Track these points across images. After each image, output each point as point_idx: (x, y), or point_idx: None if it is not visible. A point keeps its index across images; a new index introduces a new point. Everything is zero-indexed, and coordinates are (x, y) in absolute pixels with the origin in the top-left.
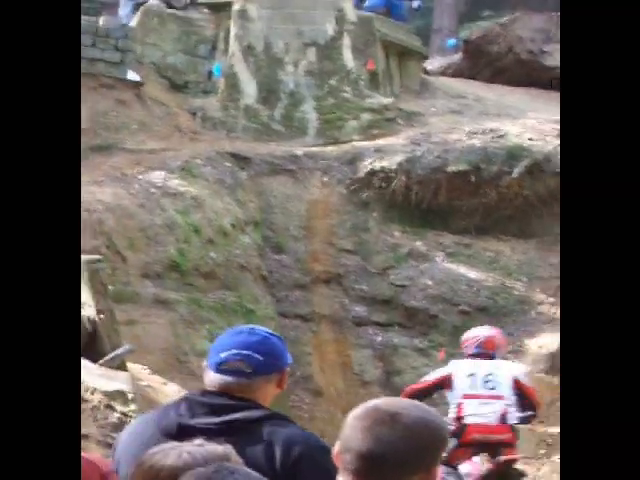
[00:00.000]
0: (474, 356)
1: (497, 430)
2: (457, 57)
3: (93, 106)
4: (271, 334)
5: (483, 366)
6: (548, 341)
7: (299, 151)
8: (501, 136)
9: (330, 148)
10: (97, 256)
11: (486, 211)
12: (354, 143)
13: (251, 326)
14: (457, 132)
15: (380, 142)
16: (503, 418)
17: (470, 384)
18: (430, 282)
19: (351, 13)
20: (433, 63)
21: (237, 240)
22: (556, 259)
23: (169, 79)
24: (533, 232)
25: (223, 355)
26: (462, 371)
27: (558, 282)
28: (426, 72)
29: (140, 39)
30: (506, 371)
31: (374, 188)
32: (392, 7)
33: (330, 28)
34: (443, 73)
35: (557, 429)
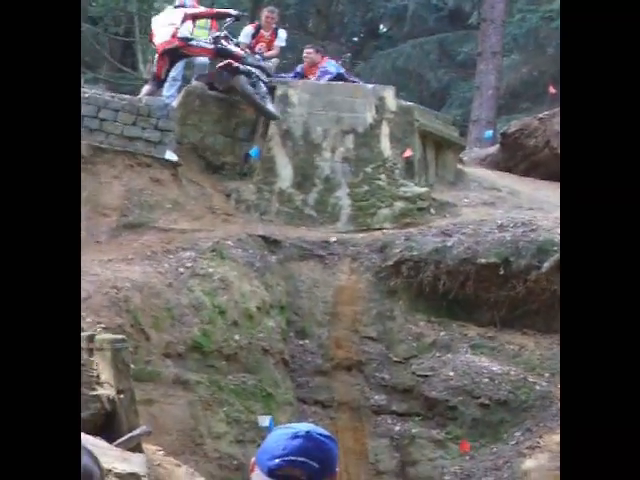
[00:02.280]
0: None
1: None
2: (494, 149)
3: (128, 183)
4: (327, 436)
5: None
6: None
7: (330, 237)
8: (532, 230)
9: (361, 235)
10: (121, 336)
11: (512, 304)
12: (385, 231)
13: (307, 428)
14: (489, 224)
15: (411, 231)
16: None
17: None
18: (452, 373)
19: (391, 102)
20: (470, 154)
21: (262, 323)
22: None
23: (206, 160)
24: (558, 328)
25: (278, 461)
26: None
27: None
28: (462, 162)
29: (181, 119)
30: None
31: (402, 276)
32: None
33: (369, 116)
34: (479, 164)
35: None
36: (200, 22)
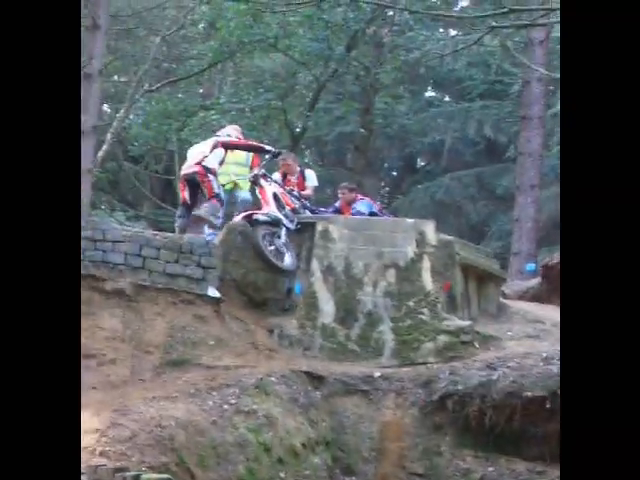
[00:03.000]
0: None
1: None
2: (535, 281)
3: (172, 321)
4: None
5: None
6: None
7: (374, 372)
8: None
9: (405, 369)
10: (166, 475)
11: None
12: (429, 365)
13: None
14: (534, 357)
15: (456, 365)
16: None
17: None
18: None
19: (432, 236)
20: (512, 287)
21: (307, 460)
22: None
23: (249, 296)
24: None
25: None
26: None
27: None
28: (504, 295)
29: (223, 256)
30: None
31: (448, 411)
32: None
33: (410, 250)
34: (521, 297)
35: None
36: (239, 158)
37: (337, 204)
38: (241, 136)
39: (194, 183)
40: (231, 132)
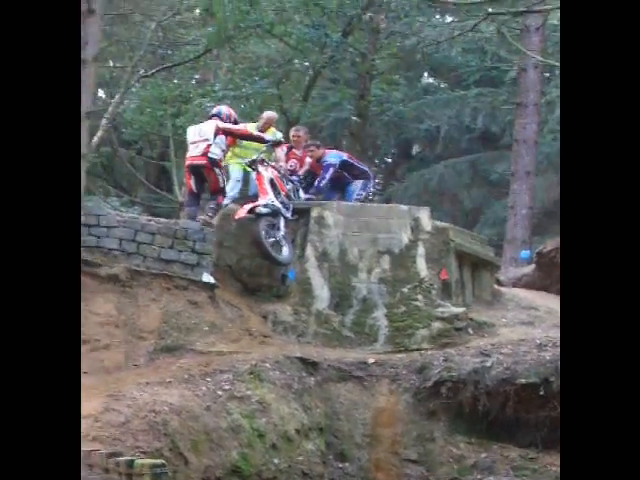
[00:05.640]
0: None
1: None
2: (529, 268)
3: (166, 306)
4: None
5: None
6: None
7: (368, 358)
8: None
9: (399, 356)
10: (160, 461)
11: (553, 425)
12: (423, 351)
13: None
14: (527, 344)
15: (449, 351)
16: None
17: None
18: None
19: (426, 223)
20: (506, 274)
21: (301, 446)
22: None
23: (243, 282)
24: None
25: None
26: None
27: None
28: (498, 282)
29: (217, 242)
30: None
31: (441, 398)
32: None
33: (405, 237)
34: (515, 284)
35: None
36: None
37: (306, 166)
38: (235, 116)
39: (199, 172)
40: (226, 111)
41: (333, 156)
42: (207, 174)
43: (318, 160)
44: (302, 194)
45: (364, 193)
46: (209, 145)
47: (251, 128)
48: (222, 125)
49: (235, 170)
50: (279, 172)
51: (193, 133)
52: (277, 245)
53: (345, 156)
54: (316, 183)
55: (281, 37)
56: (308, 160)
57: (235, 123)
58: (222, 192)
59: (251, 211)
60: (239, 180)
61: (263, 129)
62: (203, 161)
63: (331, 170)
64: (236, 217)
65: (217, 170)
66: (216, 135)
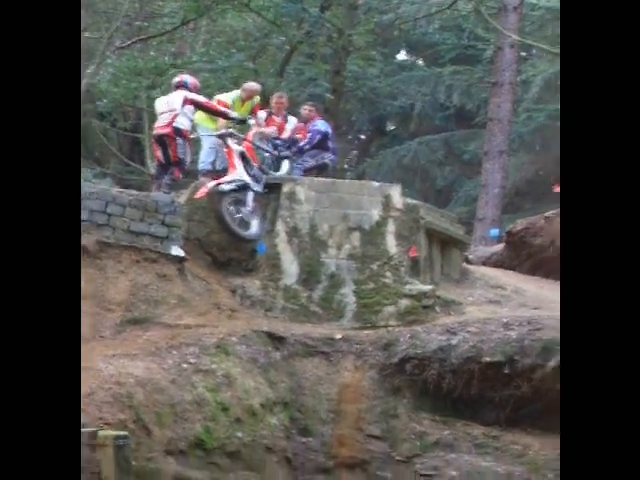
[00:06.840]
0: None
1: None
2: (499, 247)
3: (134, 279)
4: None
5: None
6: None
7: (335, 334)
8: (537, 329)
9: (366, 332)
10: (124, 432)
11: (517, 403)
12: (390, 328)
13: None
14: (494, 323)
15: (416, 329)
16: None
17: None
18: (455, 473)
19: (397, 200)
20: (475, 252)
21: (265, 420)
22: None
23: (212, 256)
24: None
25: None
26: None
27: None
28: (468, 261)
29: (187, 215)
30: None
31: (407, 374)
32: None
33: (376, 214)
34: (484, 263)
35: None
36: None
37: (287, 133)
38: (198, 84)
39: (165, 142)
40: (192, 81)
41: (323, 124)
42: (169, 143)
43: (306, 121)
44: (286, 164)
45: (314, 162)
46: (176, 115)
47: (227, 98)
48: (190, 96)
49: (208, 139)
50: (253, 144)
51: (161, 104)
52: (243, 222)
53: (330, 131)
54: (301, 144)
55: (259, 11)
56: (288, 127)
57: (198, 93)
58: (180, 164)
59: (215, 188)
60: (212, 147)
61: (246, 100)
62: (167, 130)
63: (318, 137)
64: (197, 196)
65: (180, 140)
66: (184, 105)
